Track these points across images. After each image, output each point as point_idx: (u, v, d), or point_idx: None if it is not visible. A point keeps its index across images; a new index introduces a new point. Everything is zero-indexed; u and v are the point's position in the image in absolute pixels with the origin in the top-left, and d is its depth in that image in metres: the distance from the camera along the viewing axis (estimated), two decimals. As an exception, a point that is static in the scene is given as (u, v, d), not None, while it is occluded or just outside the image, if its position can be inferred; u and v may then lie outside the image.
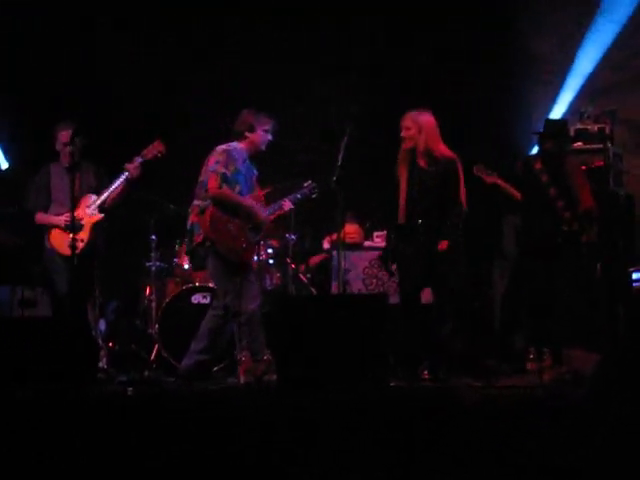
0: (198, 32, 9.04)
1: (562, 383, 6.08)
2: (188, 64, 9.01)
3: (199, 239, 6.54)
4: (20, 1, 8.61)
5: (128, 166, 7.04)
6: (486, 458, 3.98)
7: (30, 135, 8.39)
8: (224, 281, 6.58)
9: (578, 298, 7.03)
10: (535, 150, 8.03)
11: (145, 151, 7.07)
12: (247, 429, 4.28)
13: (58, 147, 7.17)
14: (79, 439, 4.17)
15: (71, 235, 6.52)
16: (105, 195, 7.08)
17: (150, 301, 7.90)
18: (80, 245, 6.80)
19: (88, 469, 4.01)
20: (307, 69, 9.03)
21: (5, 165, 9.03)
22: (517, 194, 6.95)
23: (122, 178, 7.05)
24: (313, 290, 8.16)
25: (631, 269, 7.53)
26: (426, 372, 6.41)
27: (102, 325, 7.72)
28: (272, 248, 8.07)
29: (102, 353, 7.13)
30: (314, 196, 7.00)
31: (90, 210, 7.06)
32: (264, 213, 6.70)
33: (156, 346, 7.54)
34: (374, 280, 7.60)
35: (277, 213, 6.88)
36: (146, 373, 7.17)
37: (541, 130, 7.11)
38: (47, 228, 7.11)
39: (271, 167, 7.12)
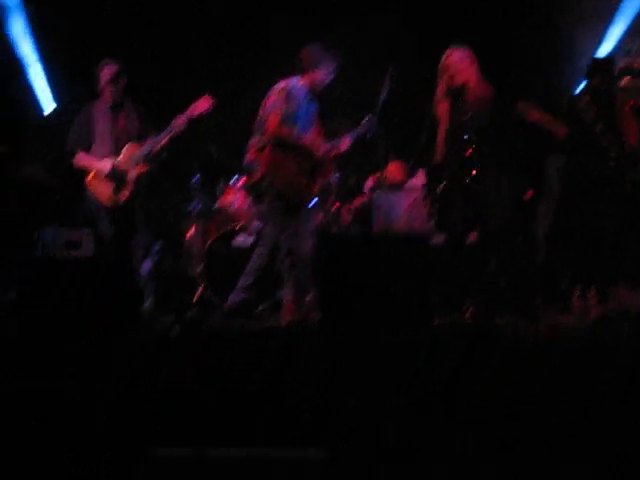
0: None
1: (608, 321, 6.05)
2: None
3: (257, 176, 6.50)
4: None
5: (175, 123, 6.82)
6: (531, 398, 3.97)
7: (78, 77, 8.27)
8: (280, 220, 6.51)
9: (623, 236, 6.95)
10: (580, 88, 7.89)
11: (192, 107, 6.81)
12: (291, 369, 4.31)
13: (101, 85, 6.95)
14: (125, 379, 4.22)
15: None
16: (149, 147, 6.87)
17: (193, 242, 7.91)
18: (123, 197, 6.78)
19: (132, 409, 4.06)
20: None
21: (52, 106, 9.02)
22: (562, 131, 6.85)
23: (167, 134, 6.83)
24: (355, 231, 8.12)
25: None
26: (470, 311, 6.39)
27: (147, 265, 7.71)
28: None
29: (146, 293, 7.17)
30: (370, 135, 6.77)
31: (134, 161, 6.87)
32: (323, 149, 6.59)
33: (200, 287, 7.58)
34: (417, 220, 7.54)
35: (336, 151, 6.71)
36: (189, 313, 7.22)
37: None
38: (86, 172, 6.91)
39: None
